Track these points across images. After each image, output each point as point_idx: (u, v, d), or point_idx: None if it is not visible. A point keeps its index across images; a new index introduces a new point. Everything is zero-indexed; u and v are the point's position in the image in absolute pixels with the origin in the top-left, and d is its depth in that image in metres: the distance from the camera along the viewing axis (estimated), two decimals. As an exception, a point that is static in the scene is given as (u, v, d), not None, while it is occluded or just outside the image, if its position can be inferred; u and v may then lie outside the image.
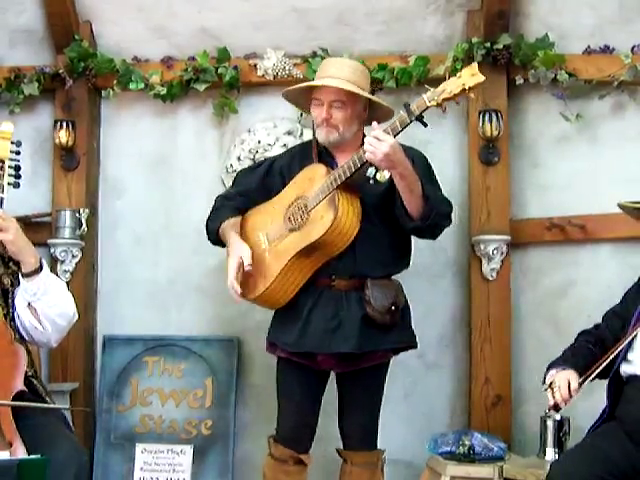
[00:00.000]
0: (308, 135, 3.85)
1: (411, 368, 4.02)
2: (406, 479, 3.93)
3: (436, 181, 3.19)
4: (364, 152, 2.86)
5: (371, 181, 2.91)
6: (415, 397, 4.03)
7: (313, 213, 3.02)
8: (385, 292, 3.05)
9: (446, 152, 4.03)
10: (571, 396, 2.65)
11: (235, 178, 3.48)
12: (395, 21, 3.94)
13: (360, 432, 3.21)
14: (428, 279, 4.04)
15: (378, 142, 2.80)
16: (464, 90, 2.77)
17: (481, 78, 2.77)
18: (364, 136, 3.08)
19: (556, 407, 2.68)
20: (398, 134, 2.86)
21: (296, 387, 3.18)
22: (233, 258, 3.12)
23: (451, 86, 2.79)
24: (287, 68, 3.97)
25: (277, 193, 3.22)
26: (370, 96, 3.18)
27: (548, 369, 2.81)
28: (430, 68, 3.89)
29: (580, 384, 2.66)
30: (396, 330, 3.10)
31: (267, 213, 3.23)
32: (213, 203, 3.39)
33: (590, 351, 2.82)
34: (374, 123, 2.92)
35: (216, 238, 3.30)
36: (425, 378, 4.04)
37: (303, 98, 3.24)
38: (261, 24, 4.02)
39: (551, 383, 2.71)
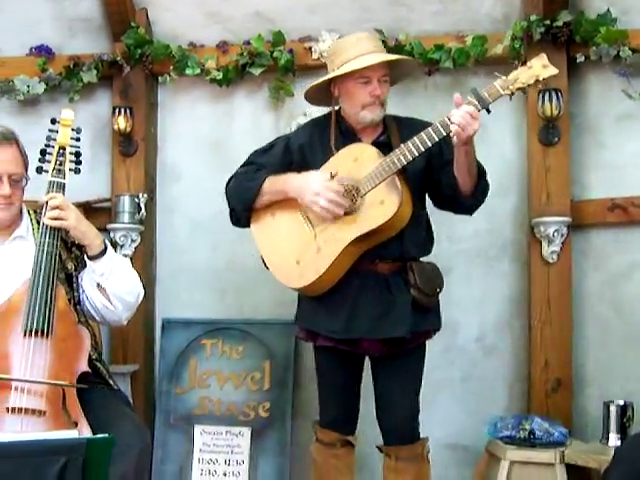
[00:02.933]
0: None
1: (469, 352, 4.00)
2: (463, 463, 3.91)
3: None
4: (446, 125, 2.71)
5: None
6: (473, 381, 4.01)
7: (368, 197, 2.86)
8: (429, 275, 2.99)
9: (504, 133, 3.98)
10: None
11: (247, 161, 3.20)
12: (451, 0, 3.89)
13: (402, 426, 3.08)
14: (486, 262, 4.01)
15: (471, 119, 2.67)
16: (537, 82, 2.68)
17: (554, 71, 2.68)
18: None
19: None
20: None
21: (339, 374, 3.14)
22: (315, 180, 2.91)
23: (524, 76, 2.68)
24: (342, 50, 3.95)
25: (299, 172, 3.02)
26: (410, 59, 3.24)
27: None
28: (488, 47, 3.84)
29: None
30: (435, 311, 3.07)
31: None
32: (229, 185, 3.17)
33: None
34: (457, 94, 2.73)
35: (250, 205, 3.07)
36: (483, 362, 4.01)
37: (323, 91, 3.10)
38: (315, 6, 4.01)
39: None
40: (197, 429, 3.95)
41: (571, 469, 3.30)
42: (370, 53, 2.95)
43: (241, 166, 3.20)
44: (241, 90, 4.20)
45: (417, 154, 2.79)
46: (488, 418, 3.61)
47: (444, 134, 2.74)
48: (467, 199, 2.94)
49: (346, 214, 2.90)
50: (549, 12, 3.72)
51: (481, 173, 2.93)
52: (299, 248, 3.00)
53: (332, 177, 2.91)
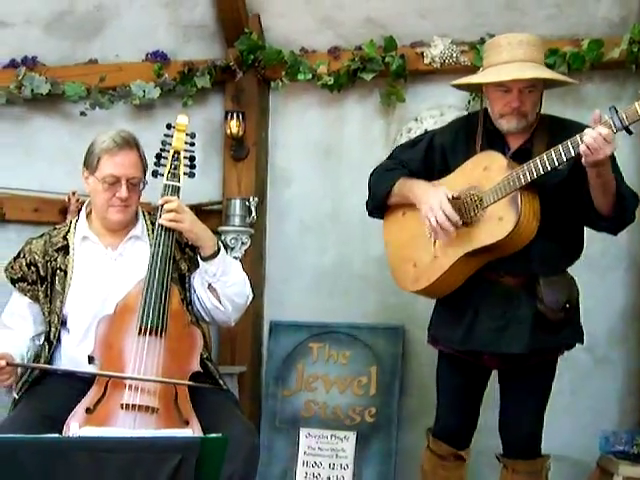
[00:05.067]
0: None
1: (579, 363, 3.89)
2: (573, 477, 3.82)
3: (619, 169, 2.83)
4: (575, 145, 2.50)
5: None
6: (583, 393, 3.91)
7: (489, 211, 2.72)
8: (559, 289, 2.78)
9: (617, 137, 3.85)
10: None
11: (392, 154, 3.14)
12: (566, 4, 3.82)
13: (523, 442, 2.97)
14: (598, 271, 3.89)
15: (604, 142, 2.44)
16: None
17: None
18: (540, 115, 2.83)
19: None
20: None
21: (457, 383, 3.04)
22: (436, 196, 2.80)
23: None
24: (454, 55, 3.92)
25: (439, 172, 2.93)
26: (566, 79, 2.92)
27: None
28: (604, 52, 3.73)
29: None
30: (567, 326, 2.86)
31: None
32: (371, 176, 3.09)
33: None
34: (597, 111, 2.49)
35: (382, 202, 3.02)
36: (593, 374, 3.91)
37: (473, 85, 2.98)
38: (427, 12, 4.00)
39: None
40: (302, 432, 3.98)
41: (687, 488, 3.20)
42: (515, 62, 2.73)
43: (387, 158, 3.17)
44: (352, 95, 4.22)
45: (542, 172, 2.60)
46: (598, 432, 3.52)
47: (573, 154, 2.54)
48: (603, 220, 2.72)
49: (466, 225, 2.79)
50: (670, 14, 3.61)
51: (623, 194, 2.67)
52: (418, 252, 2.93)
53: (453, 199, 2.80)
